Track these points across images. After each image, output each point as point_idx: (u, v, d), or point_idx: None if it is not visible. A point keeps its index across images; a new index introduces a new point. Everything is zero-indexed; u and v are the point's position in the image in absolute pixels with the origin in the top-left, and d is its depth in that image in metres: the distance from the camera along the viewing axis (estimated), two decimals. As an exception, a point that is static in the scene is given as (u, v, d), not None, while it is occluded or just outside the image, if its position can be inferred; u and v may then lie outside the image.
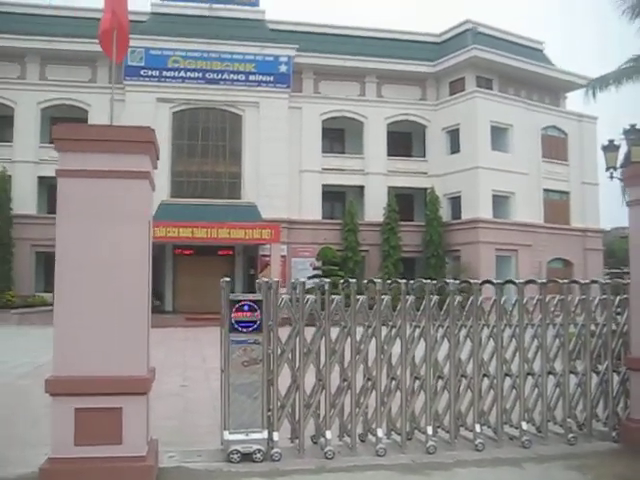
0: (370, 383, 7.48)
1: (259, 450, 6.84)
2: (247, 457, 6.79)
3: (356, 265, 36.03)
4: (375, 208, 37.34)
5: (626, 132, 17.09)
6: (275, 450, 6.91)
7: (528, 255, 36.95)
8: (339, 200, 38.78)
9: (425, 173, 39.11)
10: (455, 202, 37.89)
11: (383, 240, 36.71)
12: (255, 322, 7.00)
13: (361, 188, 38.36)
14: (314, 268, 34.51)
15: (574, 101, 44.81)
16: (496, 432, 7.58)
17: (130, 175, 5.90)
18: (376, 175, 38.00)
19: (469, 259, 35.40)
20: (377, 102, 39.05)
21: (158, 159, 6.56)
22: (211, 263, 36.10)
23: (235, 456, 6.78)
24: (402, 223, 37.10)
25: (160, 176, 32.21)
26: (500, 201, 36.70)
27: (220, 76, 36.58)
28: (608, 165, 17.43)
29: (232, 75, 36.71)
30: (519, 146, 37.41)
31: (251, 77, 36.86)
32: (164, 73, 35.91)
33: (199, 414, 9.71)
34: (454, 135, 38.12)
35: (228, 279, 7.28)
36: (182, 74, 36.18)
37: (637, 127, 17.18)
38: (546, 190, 39.06)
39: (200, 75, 36.37)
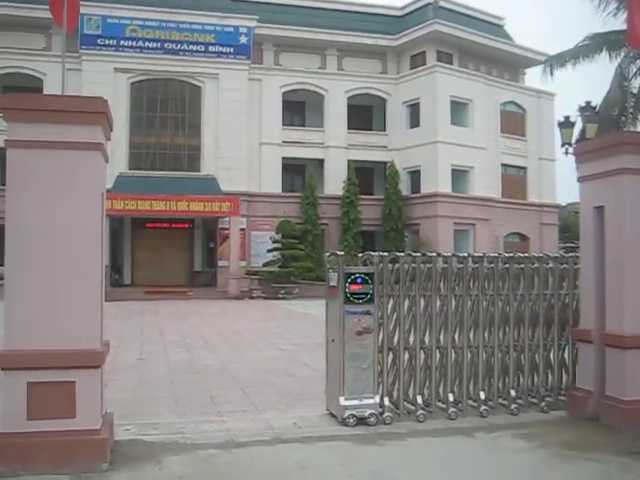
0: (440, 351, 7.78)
1: (373, 414, 7.22)
2: (362, 421, 7.20)
3: (315, 238, 36.15)
4: (335, 181, 37.39)
5: (582, 109, 17.30)
6: (387, 414, 7.31)
7: (486, 229, 37.47)
8: (299, 173, 38.72)
9: (385, 147, 39.21)
10: (415, 176, 38.13)
11: (343, 213, 36.86)
12: (367, 294, 7.28)
13: (321, 161, 38.32)
14: (274, 241, 34.52)
15: (533, 77, 45.19)
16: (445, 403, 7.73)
17: (82, 146, 5.79)
18: (336, 148, 37.98)
19: (428, 233, 35.73)
20: (338, 75, 38.91)
21: (112, 130, 6.46)
22: (170, 236, 35.92)
23: (351, 420, 7.17)
24: (362, 197, 37.25)
25: (118, 148, 31.72)
26: (459, 175, 37.04)
27: (179, 47, 36.01)
28: (564, 141, 17.64)
29: (191, 46, 36.17)
30: (478, 121, 37.72)
31: (211, 48, 36.36)
32: (122, 42, 35.19)
33: (156, 387, 9.70)
34: (414, 109, 38.24)
35: (341, 252, 7.58)
36: (140, 44, 35.51)
37: (592, 104, 17.43)
38: (504, 165, 39.56)
39: (159, 45, 35.73)
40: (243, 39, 36.67)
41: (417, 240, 35.68)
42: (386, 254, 7.64)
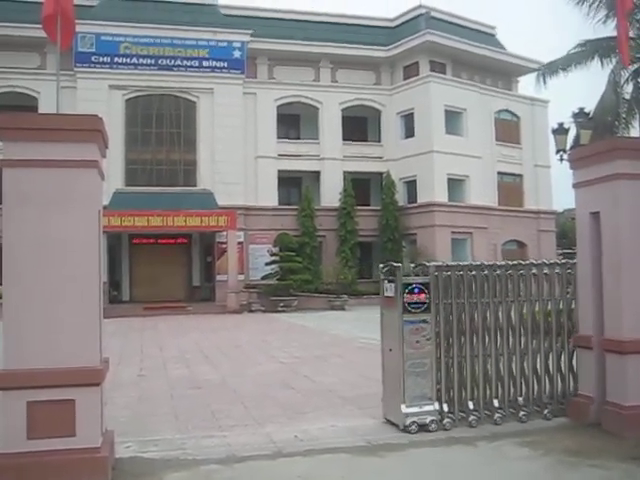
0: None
1: (433, 420, 7.44)
2: (423, 427, 7.41)
3: (313, 250, 36.12)
4: (331, 193, 37.43)
5: (575, 115, 17.37)
6: (446, 420, 7.54)
7: (483, 237, 37.47)
8: (295, 186, 38.76)
9: (381, 157, 39.28)
10: (411, 186, 38.16)
11: (340, 225, 36.85)
12: (424, 303, 7.51)
13: (317, 173, 38.36)
14: (271, 254, 34.51)
15: (526, 85, 45.33)
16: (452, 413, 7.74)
17: (78, 164, 5.81)
18: (332, 160, 38.02)
19: (425, 242, 35.72)
20: (332, 87, 39.02)
21: (107, 148, 6.47)
22: (168, 251, 35.90)
23: (413, 427, 7.38)
24: (358, 208, 37.25)
25: (114, 164, 31.77)
26: (455, 184, 37.09)
27: (173, 62, 36.09)
28: (558, 148, 17.71)
29: (185, 61, 36.26)
30: (473, 130, 37.80)
31: (205, 63, 36.46)
32: (116, 59, 35.26)
33: (156, 403, 9.66)
34: (409, 119, 38.31)
35: (399, 264, 7.77)
36: (134, 60, 35.57)
37: (586, 110, 17.50)
38: (500, 173, 39.58)
39: (153, 61, 35.81)
40: (237, 53, 36.80)
41: (415, 250, 35.66)
42: (441, 264, 7.92)
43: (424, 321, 7.49)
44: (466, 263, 8.10)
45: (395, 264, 7.80)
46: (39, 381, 5.61)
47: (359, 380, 11.34)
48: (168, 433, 7.69)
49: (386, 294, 7.82)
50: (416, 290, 7.47)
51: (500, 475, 6.21)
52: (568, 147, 17.66)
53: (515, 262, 8.34)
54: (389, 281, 7.74)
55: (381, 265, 8.13)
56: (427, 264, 7.89)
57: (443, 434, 7.32)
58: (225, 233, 33.49)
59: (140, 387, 11.16)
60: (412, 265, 8.13)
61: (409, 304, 7.43)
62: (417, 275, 7.77)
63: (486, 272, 7.94)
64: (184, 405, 9.42)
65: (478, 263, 8.19)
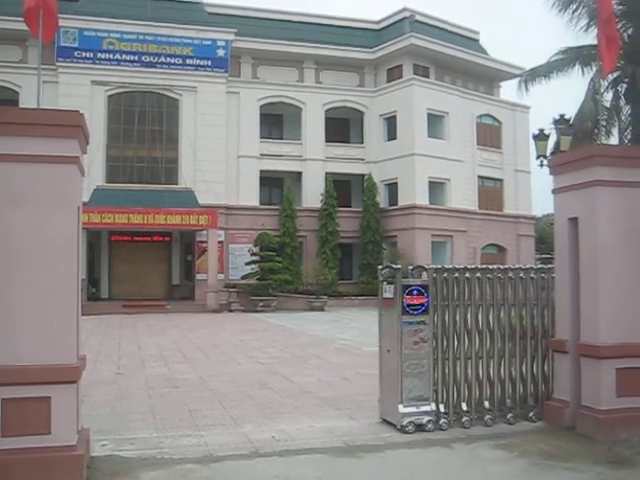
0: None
1: (430, 421, 7.54)
2: (420, 427, 7.51)
3: (294, 251, 36.11)
4: (313, 194, 37.44)
5: (556, 122, 17.52)
6: (443, 420, 7.64)
7: (463, 241, 37.66)
8: (277, 186, 38.70)
9: (363, 159, 39.35)
10: (392, 188, 38.27)
11: (321, 226, 36.85)
12: (423, 305, 7.60)
13: (299, 174, 38.34)
14: (252, 254, 34.45)
15: (508, 90, 45.63)
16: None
17: (57, 160, 5.76)
18: (314, 161, 38.03)
19: (405, 245, 35.84)
20: (315, 88, 39.02)
21: (88, 144, 6.43)
22: (148, 249, 35.72)
23: (410, 427, 7.48)
24: (340, 209, 37.26)
25: (94, 161, 31.54)
26: (436, 187, 37.24)
27: (157, 59, 35.88)
28: (538, 153, 17.86)
29: (169, 59, 36.06)
30: (455, 134, 37.98)
31: (188, 61, 36.29)
32: (99, 55, 34.97)
33: (133, 402, 9.61)
34: (391, 122, 38.42)
35: (398, 266, 7.87)
36: (117, 56, 35.31)
37: (566, 117, 17.66)
38: (481, 177, 39.80)
39: (136, 58, 35.56)
40: (221, 52, 36.68)
41: (395, 252, 35.73)
42: (439, 266, 7.96)
43: (422, 322, 7.59)
44: (461, 266, 8.20)
45: (394, 266, 7.87)
46: (15, 378, 5.56)
47: (338, 381, 11.37)
48: (145, 432, 7.65)
49: (385, 295, 7.87)
50: (415, 292, 7.55)
51: (474, 477, 6.25)
52: (548, 153, 17.79)
53: (506, 266, 8.46)
54: (388, 283, 7.80)
55: (379, 267, 8.19)
56: (426, 266, 7.98)
57: (420, 436, 7.36)
58: (206, 232, 33.36)
59: (118, 385, 11.09)
60: (410, 267, 8.15)
61: (408, 306, 7.51)
62: (415, 277, 7.85)
63: (479, 275, 8.04)
64: (162, 404, 9.38)
65: (473, 266, 8.28)
